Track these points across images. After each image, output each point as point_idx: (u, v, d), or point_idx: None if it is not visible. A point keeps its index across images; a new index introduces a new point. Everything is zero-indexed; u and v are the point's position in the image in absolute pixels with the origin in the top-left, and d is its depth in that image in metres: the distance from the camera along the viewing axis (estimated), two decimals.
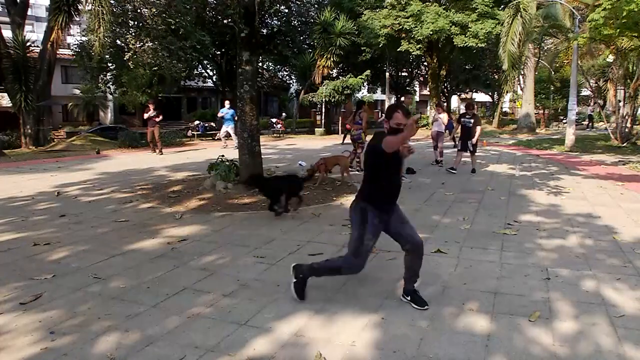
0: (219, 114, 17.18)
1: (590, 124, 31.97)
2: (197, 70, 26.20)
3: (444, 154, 11.76)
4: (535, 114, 29.96)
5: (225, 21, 21.63)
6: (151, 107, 14.85)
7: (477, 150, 10.08)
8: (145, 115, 14.94)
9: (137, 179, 9.51)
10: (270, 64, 29.16)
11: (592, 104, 35.10)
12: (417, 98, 44.95)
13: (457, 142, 16.01)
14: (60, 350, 2.75)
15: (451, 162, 10.54)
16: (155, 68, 16.19)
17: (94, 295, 3.56)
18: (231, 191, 7.70)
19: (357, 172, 10.21)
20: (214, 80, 28.28)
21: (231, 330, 3.00)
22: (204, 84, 30.23)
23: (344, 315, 3.19)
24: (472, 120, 9.96)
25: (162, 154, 14.62)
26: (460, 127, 10.25)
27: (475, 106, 10.31)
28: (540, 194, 7.59)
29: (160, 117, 14.95)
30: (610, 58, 18.79)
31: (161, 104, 16.82)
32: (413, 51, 22.13)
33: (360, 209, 3.27)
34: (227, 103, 16.86)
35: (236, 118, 16.20)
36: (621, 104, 19.10)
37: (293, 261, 4.31)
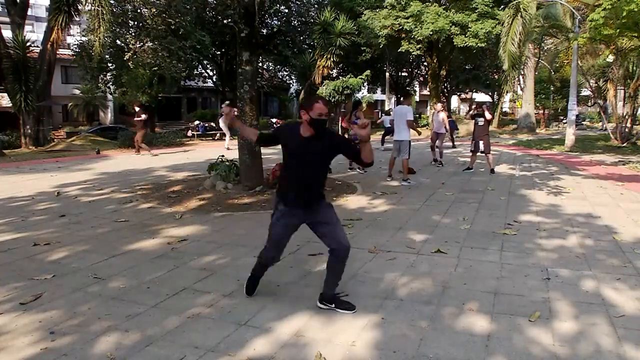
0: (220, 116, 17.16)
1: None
2: (197, 70, 26.15)
3: (444, 154, 11.76)
4: (535, 114, 29.96)
5: (225, 21, 21.57)
6: (135, 107, 14.82)
7: (479, 150, 10.05)
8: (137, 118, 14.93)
9: (137, 179, 9.51)
10: (270, 64, 29.15)
11: (591, 103, 35.06)
12: (417, 98, 44.95)
13: (454, 143, 16.01)
14: (60, 350, 2.74)
15: (453, 162, 10.53)
16: (155, 68, 16.15)
17: (94, 295, 3.56)
18: (231, 191, 7.70)
19: (357, 172, 10.24)
20: (214, 80, 28.26)
21: (231, 330, 3.00)
22: (204, 84, 30.19)
23: (344, 315, 3.19)
24: (482, 119, 9.93)
25: (138, 153, 14.59)
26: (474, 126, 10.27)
27: (483, 107, 10.27)
28: (540, 194, 7.59)
29: (143, 117, 14.68)
30: (610, 58, 18.78)
31: (158, 105, 16.89)
32: (413, 51, 22.11)
33: (275, 196, 3.34)
34: (226, 103, 16.84)
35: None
36: (621, 104, 19.09)
37: (293, 261, 4.33)
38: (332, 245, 3.14)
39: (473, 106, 11.17)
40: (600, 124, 28.81)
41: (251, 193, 7.53)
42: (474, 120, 10.11)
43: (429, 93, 25.96)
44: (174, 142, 19.42)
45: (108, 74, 20.91)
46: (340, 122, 13.64)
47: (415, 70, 35.74)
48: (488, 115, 9.92)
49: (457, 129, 17.43)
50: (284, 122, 3.27)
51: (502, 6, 20.85)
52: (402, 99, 9.81)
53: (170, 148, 17.76)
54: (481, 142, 9.89)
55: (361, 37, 22.84)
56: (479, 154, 10.18)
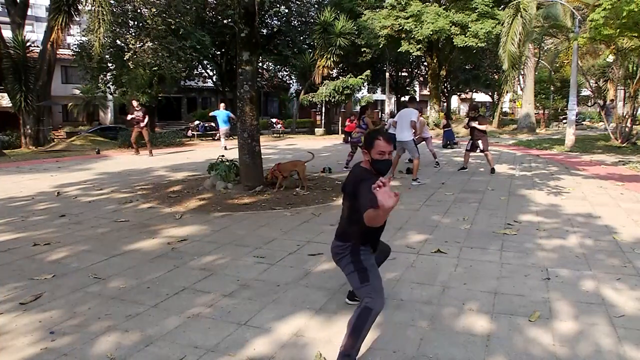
0: (210, 114, 16.74)
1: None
2: (197, 70, 26.20)
3: (437, 155, 11.72)
4: (535, 114, 29.93)
5: (225, 21, 21.67)
6: (134, 104, 14.34)
7: (476, 150, 10.04)
8: (129, 117, 14.51)
9: (137, 179, 9.51)
10: (270, 64, 29.19)
11: (591, 103, 35.13)
12: (417, 98, 44.97)
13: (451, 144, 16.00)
14: (60, 350, 2.74)
15: (452, 162, 10.51)
16: (155, 68, 16.17)
17: (94, 295, 3.56)
18: (231, 191, 7.70)
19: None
20: (214, 80, 28.30)
21: (231, 330, 3.00)
22: (204, 84, 30.25)
23: (344, 315, 3.19)
24: (477, 120, 9.98)
25: (152, 155, 14.23)
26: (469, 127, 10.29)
27: (477, 108, 10.21)
28: (540, 194, 7.59)
29: (146, 120, 14.36)
30: (610, 58, 18.78)
31: (158, 105, 16.80)
32: (413, 51, 22.13)
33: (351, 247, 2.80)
34: (222, 105, 16.75)
35: (230, 119, 16.04)
36: (621, 104, 19.10)
37: (293, 261, 4.33)
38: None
39: (471, 106, 11.13)
40: (601, 123, 28.80)
41: (251, 193, 7.53)
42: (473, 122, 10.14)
43: (429, 93, 25.96)
44: (173, 142, 19.41)
45: (108, 74, 20.92)
46: (340, 122, 13.58)
47: (415, 70, 35.80)
48: (482, 127, 9.92)
49: (456, 142, 17.50)
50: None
51: (502, 6, 20.90)
52: (407, 102, 9.81)
53: (170, 148, 17.76)
54: (480, 142, 9.93)
55: (361, 37, 22.88)
56: (478, 153, 10.22)
